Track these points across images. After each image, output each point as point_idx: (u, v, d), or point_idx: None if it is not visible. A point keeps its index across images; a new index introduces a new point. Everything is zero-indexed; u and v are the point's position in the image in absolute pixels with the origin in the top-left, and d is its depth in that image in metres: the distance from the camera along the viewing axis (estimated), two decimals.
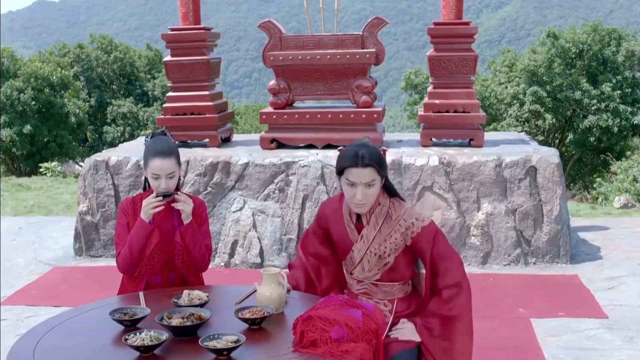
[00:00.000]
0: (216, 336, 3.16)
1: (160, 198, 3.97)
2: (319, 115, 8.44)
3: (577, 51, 27.27)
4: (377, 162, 3.64)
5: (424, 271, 3.87)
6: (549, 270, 7.70)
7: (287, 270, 4.16)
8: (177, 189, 4.21)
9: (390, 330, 3.78)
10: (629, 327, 6.14)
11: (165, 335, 3.18)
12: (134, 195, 4.38)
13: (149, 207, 3.98)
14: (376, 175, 3.64)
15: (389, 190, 3.84)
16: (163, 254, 4.09)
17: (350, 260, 3.85)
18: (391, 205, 3.80)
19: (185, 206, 4.04)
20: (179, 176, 4.19)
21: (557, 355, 5.62)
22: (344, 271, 3.99)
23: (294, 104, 8.82)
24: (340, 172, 3.70)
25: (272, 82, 8.63)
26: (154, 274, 4.13)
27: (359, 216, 3.81)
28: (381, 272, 3.81)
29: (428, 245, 3.75)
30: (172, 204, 4.03)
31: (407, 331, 3.75)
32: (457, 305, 3.71)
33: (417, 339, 3.73)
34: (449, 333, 3.70)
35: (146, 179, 4.22)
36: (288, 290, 3.80)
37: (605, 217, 10.76)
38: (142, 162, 4.19)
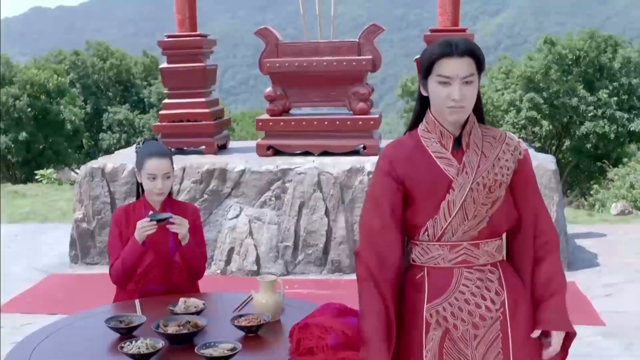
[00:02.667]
0: (212, 344, 3.14)
1: (154, 223, 3.94)
2: (315, 122, 8.43)
3: (574, 58, 27.35)
4: (476, 52, 2.89)
5: None
6: None
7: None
8: (170, 195, 4.21)
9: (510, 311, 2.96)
10: (626, 334, 6.13)
11: (161, 343, 3.17)
12: (127, 204, 4.36)
13: (143, 230, 3.95)
14: (474, 69, 2.88)
15: (477, 112, 3.04)
16: (158, 272, 4.07)
17: (445, 211, 2.91)
18: (483, 128, 3.03)
19: (181, 229, 4.00)
20: (173, 183, 4.19)
21: None
22: (421, 245, 2.98)
23: (290, 111, 8.80)
24: (427, 70, 2.89)
25: (269, 89, 8.62)
26: (148, 283, 4.10)
27: (455, 141, 2.96)
28: (488, 217, 2.94)
29: (529, 173, 3.07)
30: (168, 226, 4.00)
31: (557, 340, 2.99)
32: (557, 264, 3.04)
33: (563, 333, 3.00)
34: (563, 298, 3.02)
35: (139, 186, 4.21)
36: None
37: (603, 224, 10.75)
38: (136, 170, 4.17)
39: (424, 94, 2.98)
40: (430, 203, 2.93)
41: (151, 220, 3.92)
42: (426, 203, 2.94)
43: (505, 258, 3.07)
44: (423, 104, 3.03)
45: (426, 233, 2.95)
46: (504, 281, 2.98)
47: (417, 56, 2.93)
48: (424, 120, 3.03)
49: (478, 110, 3.00)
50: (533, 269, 3.02)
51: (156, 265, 4.05)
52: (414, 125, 3.09)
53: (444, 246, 2.94)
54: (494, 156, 2.95)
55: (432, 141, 2.97)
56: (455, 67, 2.83)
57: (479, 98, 2.98)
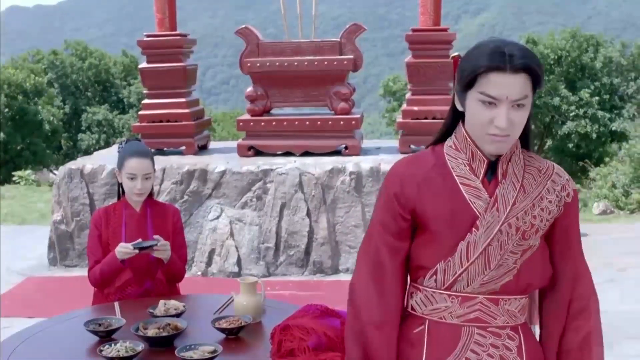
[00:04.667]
0: (193, 346, 3.13)
1: (137, 251, 3.90)
2: (296, 123, 8.40)
3: (556, 57, 27.48)
4: (534, 68, 2.20)
5: None
6: None
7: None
8: (151, 196, 4.17)
9: None
10: (608, 334, 6.03)
11: (140, 346, 3.15)
12: (107, 205, 4.33)
13: (124, 253, 3.91)
14: (530, 89, 2.22)
15: (523, 133, 2.35)
16: (136, 286, 4.05)
17: (462, 254, 2.30)
18: (526, 156, 2.40)
19: (164, 254, 3.99)
20: (153, 184, 4.15)
21: None
22: (424, 291, 2.38)
23: (271, 111, 8.77)
24: (469, 81, 2.24)
25: (250, 88, 8.59)
26: (127, 294, 4.07)
27: (489, 167, 2.34)
28: (516, 269, 2.32)
29: (574, 221, 2.44)
30: (152, 253, 3.97)
31: None
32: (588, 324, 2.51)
33: None
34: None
35: (120, 187, 4.17)
36: None
37: (584, 224, 10.68)
38: (116, 170, 4.14)
39: (460, 108, 2.36)
40: (445, 241, 2.32)
41: (134, 248, 3.88)
42: (440, 240, 2.33)
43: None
44: (456, 119, 2.44)
45: (434, 278, 2.34)
46: (524, 351, 2.38)
47: (456, 53, 2.02)
48: (453, 134, 2.43)
49: (524, 133, 2.36)
50: (566, 337, 2.47)
51: (134, 282, 4.03)
52: (439, 140, 2.49)
53: (455, 297, 2.33)
54: (536, 194, 2.34)
55: (460, 162, 2.36)
56: (505, 86, 2.19)
57: (528, 120, 2.33)
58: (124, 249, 3.89)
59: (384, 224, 2.38)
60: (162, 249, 3.93)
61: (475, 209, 2.29)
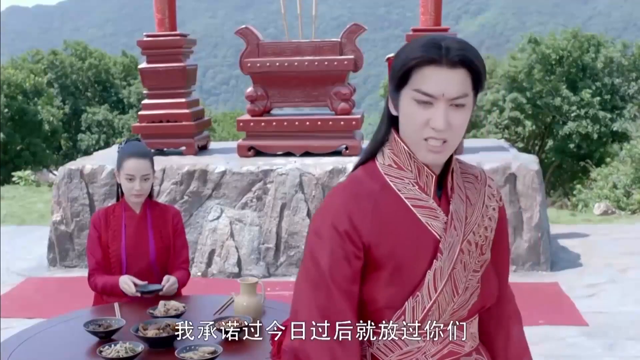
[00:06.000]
0: (193, 347, 3.13)
1: (139, 294, 3.90)
2: (297, 123, 8.39)
3: (557, 57, 27.42)
4: (474, 62, 1.95)
5: None
6: (529, 277, 7.68)
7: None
8: (151, 196, 4.15)
9: None
10: (609, 335, 6.13)
11: (140, 347, 3.15)
12: (107, 206, 4.31)
13: (127, 290, 3.90)
14: (470, 87, 1.97)
15: None
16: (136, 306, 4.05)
17: (430, 285, 2.02)
18: (458, 161, 2.17)
19: (171, 293, 3.99)
20: (152, 184, 4.13)
21: None
22: (389, 336, 2.05)
23: (271, 111, 8.76)
24: (402, 77, 1.98)
25: (250, 89, 8.57)
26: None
27: (437, 184, 2.08)
28: (479, 288, 2.12)
29: (506, 225, 2.32)
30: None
31: None
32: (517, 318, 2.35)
33: None
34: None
35: (119, 187, 4.15)
36: None
37: (585, 224, 10.78)
38: (115, 170, 4.12)
39: (394, 112, 2.07)
40: (410, 275, 2.03)
41: (137, 291, 3.88)
42: (405, 274, 2.03)
43: None
44: (391, 127, 2.11)
45: (402, 318, 2.03)
46: None
47: (391, 54, 1.74)
48: (385, 150, 2.11)
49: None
50: (510, 348, 2.29)
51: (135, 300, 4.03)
52: (371, 155, 2.14)
53: (426, 335, 2.04)
54: (480, 203, 2.14)
55: (406, 182, 2.06)
56: (442, 81, 1.93)
57: None
58: (127, 287, 3.88)
59: (335, 267, 2.00)
60: (169, 290, 3.95)
61: (434, 232, 2.04)
